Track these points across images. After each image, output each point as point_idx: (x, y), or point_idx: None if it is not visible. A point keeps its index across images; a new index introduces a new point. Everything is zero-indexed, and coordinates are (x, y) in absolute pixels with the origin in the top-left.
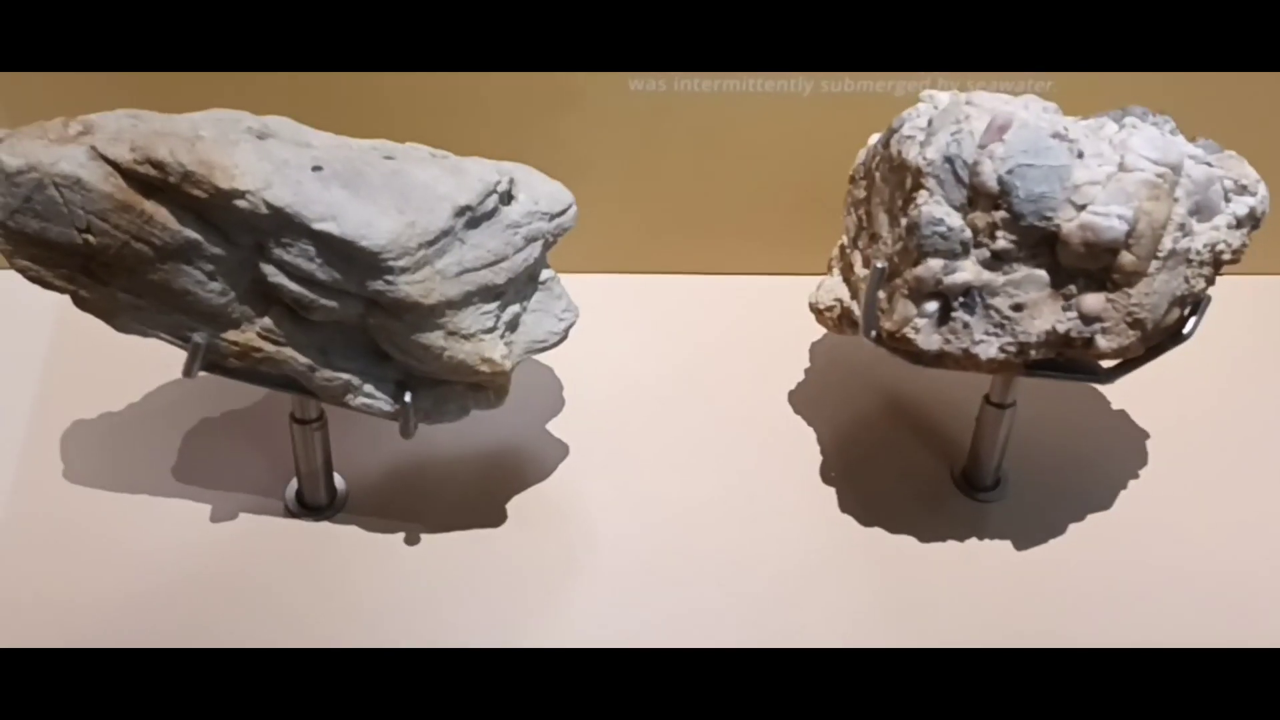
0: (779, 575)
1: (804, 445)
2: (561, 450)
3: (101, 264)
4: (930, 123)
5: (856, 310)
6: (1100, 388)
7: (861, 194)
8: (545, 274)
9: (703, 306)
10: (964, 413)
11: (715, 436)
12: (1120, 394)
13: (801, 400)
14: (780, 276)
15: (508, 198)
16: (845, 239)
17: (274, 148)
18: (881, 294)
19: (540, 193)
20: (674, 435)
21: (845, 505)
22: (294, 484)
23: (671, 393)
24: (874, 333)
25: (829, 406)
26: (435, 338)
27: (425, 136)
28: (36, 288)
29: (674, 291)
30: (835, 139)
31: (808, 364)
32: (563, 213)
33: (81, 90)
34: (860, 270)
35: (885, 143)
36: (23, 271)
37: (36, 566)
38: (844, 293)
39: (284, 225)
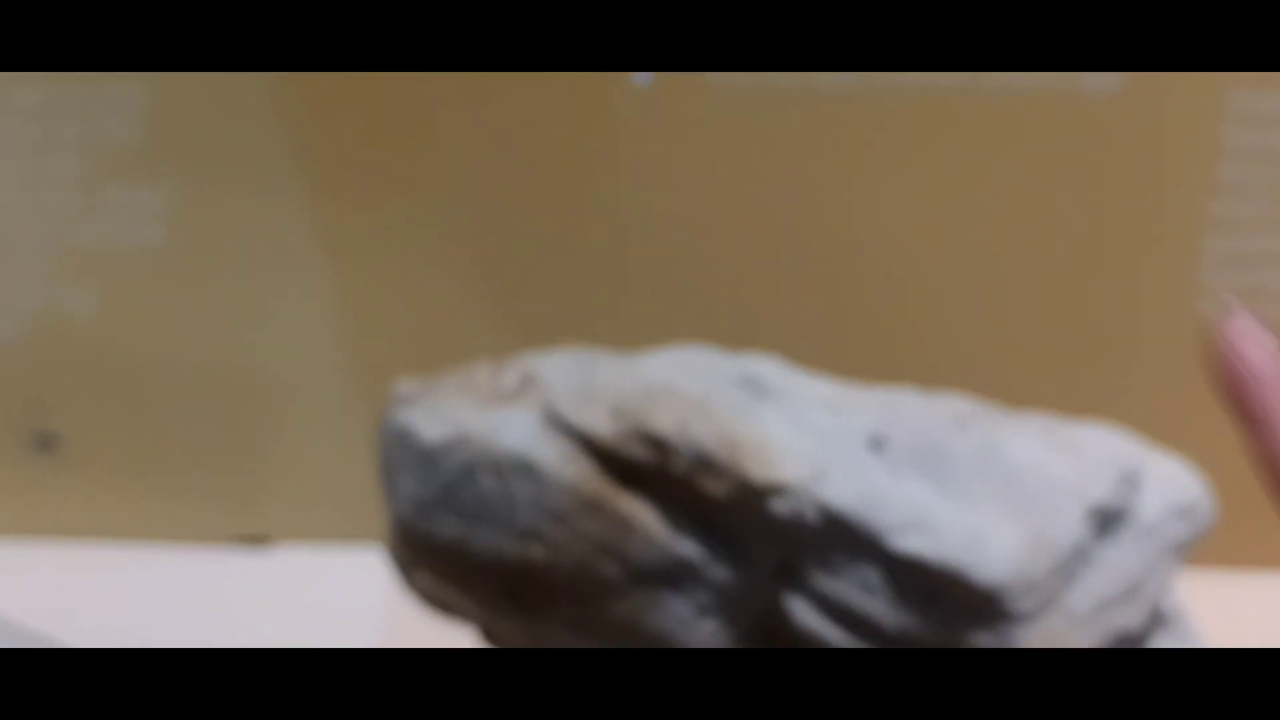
0: None
1: None
2: None
3: (539, 589)
4: None
5: None
6: None
7: None
8: (1168, 601)
9: None
10: None
11: None
12: None
13: None
14: None
15: (1136, 486)
16: None
17: (806, 412)
18: None
19: (1163, 475)
20: None
21: None
22: None
23: None
24: None
25: None
26: None
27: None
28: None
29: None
30: None
31: None
32: (1196, 506)
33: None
34: None
35: None
36: (421, 594)
37: None
38: None
39: (838, 539)
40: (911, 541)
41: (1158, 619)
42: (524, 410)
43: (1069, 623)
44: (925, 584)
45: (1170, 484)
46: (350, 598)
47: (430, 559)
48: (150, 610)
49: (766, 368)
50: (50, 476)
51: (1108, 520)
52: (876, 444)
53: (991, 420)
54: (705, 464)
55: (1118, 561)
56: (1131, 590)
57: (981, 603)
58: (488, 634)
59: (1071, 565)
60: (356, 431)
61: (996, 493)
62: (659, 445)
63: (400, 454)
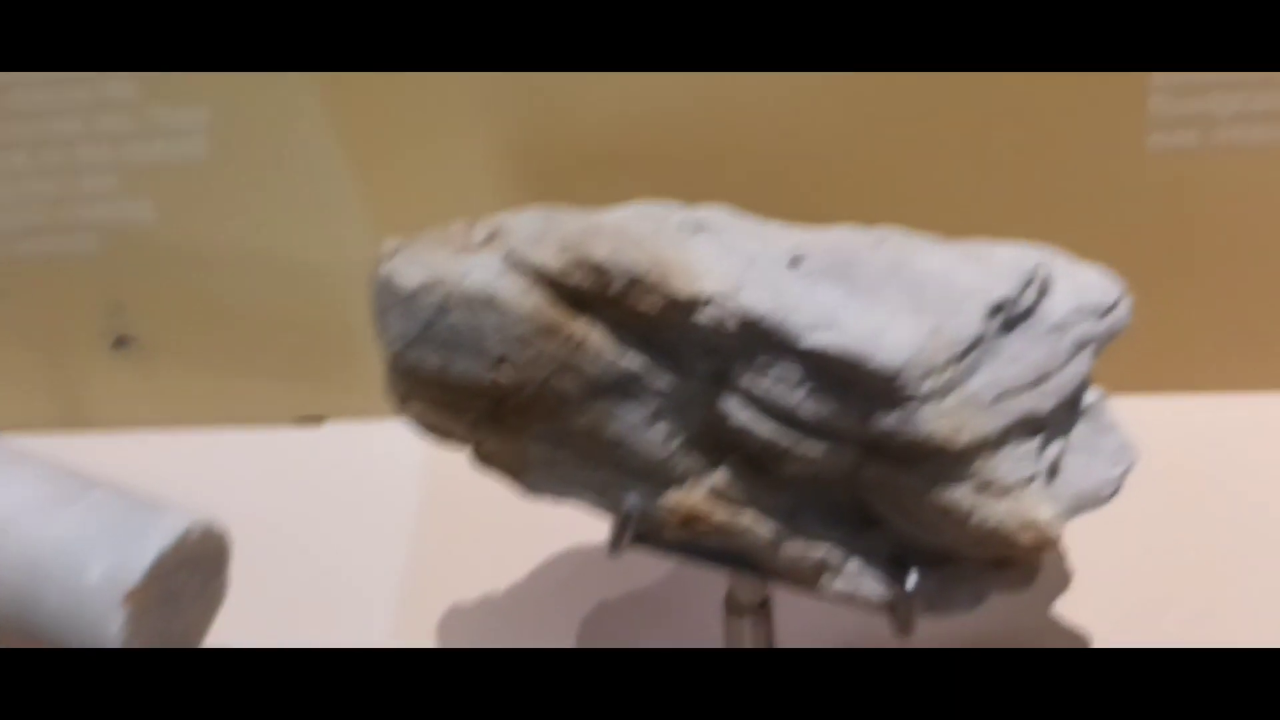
0: None
1: None
2: (1072, 642)
3: (513, 408)
4: None
5: None
6: None
7: None
8: (1090, 396)
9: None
10: None
11: None
12: None
13: None
14: None
15: (1044, 289)
16: None
17: (735, 240)
18: None
19: (1080, 281)
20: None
21: None
22: None
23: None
24: None
25: None
26: (961, 495)
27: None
28: (403, 442)
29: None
30: None
31: None
32: (1113, 307)
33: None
34: None
35: None
36: (416, 421)
37: None
38: None
39: (759, 342)
40: (820, 337)
41: (1075, 410)
42: (489, 255)
43: (973, 407)
44: (836, 374)
45: (1085, 286)
46: (393, 467)
47: (421, 389)
48: (220, 486)
49: (712, 212)
50: (129, 374)
51: (1013, 318)
52: (795, 261)
53: (910, 241)
54: (637, 283)
55: (1022, 353)
56: (1039, 380)
57: (883, 386)
58: (480, 455)
59: (972, 356)
60: None
61: (902, 295)
62: (597, 270)
63: (386, 299)
